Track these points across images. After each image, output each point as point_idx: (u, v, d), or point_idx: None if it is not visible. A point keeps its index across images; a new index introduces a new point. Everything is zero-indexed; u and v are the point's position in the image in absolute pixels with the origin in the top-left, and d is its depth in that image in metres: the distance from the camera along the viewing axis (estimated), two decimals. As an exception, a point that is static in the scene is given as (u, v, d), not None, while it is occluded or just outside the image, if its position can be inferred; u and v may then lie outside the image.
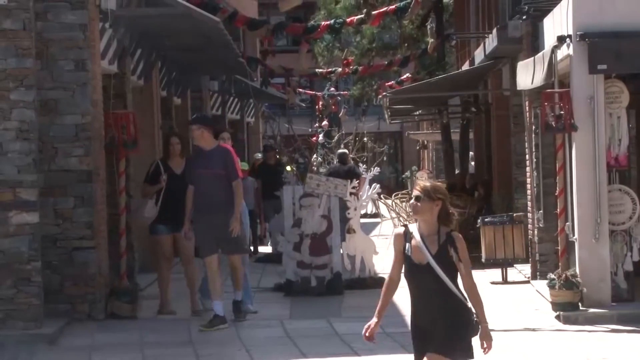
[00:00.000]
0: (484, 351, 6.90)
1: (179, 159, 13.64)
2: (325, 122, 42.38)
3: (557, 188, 13.92)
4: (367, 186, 17.47)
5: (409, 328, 12.18)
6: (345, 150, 26.28)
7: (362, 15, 23.03)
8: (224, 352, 11.37)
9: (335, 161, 24.87)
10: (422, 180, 6.94)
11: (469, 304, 6.90)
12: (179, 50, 18.07)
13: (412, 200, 6.82)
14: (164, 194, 13.49)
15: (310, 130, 43.02)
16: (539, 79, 13.77)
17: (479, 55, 20.65)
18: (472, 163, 28.62)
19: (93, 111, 13.27)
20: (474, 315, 6.90)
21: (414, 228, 6.83)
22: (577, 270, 13.09)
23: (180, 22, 15.04)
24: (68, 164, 13.10)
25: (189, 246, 13.48)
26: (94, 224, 13.14)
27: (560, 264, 13.66)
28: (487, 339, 6.93)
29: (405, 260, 6.88)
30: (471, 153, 28.71)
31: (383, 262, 18.74)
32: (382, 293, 7.18)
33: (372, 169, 18.84)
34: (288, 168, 22.25)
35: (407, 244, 6.82)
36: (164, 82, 19.54)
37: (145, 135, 16.93)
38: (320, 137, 39.56)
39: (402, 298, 15.42)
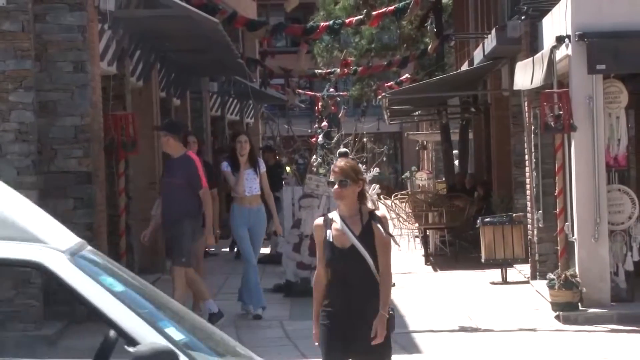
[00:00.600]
0: (373, 340, 6.40)
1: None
2: (324, 123, 42.34)
3: (557, 188, 13.93)
4: (367, 186, 17.47)
5: (409, 328, 12.18)
6: (347, 150, 26.32)
7: (362, 16, 23.03)
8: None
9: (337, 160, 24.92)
10: (338, 162, 6.62)
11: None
12: (178, 51, 18.08)
13: (336, 187, 6.47)
14: None
15: (309, 131, 42.96)
16: (538, 79, 13.77)
17: (478, 55, 20.65)
18: (456, 162, 28.64)
19: (92, 112, 13.26)
20: (391, 310, 6.55)
21: (334, 214, 6.54)
22: (577, 271, 13.09)
23: (180, 23, 15.04)
24: (67, 165, 13.10)
25: (197, 249, 13.33)
26: (94, 226, 13.14)
27: (559, 264, 13.66)
28: (381, 327, 6.41)
29: (327, 248, 6.51)
30: (455, 151, 28.73)
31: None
32: (314, 294, 6.78)
33: (372, 169, 18.85)
34: (288, 169, 22.20)
35: (328, 231, 6.48)
36: (163, 83, 19.54)
37: (144, 136, 16.92)
38: (320, 137, 39.55)
39: (401, 298, 15.46)
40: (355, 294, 6.47)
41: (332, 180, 6.49)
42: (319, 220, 6.58)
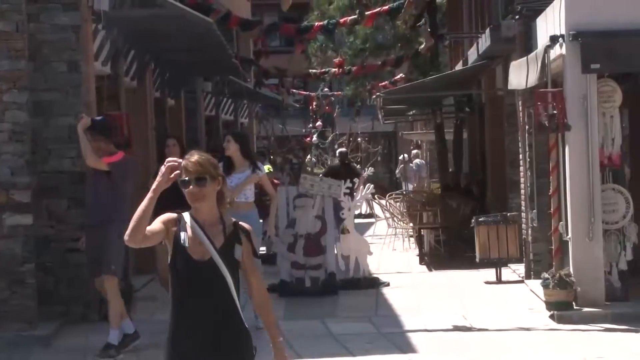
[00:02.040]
0: None
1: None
2: (319, 123, 42.39)
3: (551, 187, 13.94)
4: (362, 186, 17.48)
5: (404, 328, 12.16)
6: (345, 149, 26.40)
7: (356, 16, 23.03)
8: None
9: (336, 160, 24.91)
10: (191, 156, 5.29)
11: (246, 326, 5.45)
12: (172, 51, 18.07)
13: (192, 187, 5.20)
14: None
15: (304, 130, 43.03)
16: (532, 79, 13.78)
17: (472, 55, 20.67)
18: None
19: (86, 113, 13.25)
20: (254, 344, 5.51)
21: (186, 216, 5.26)
22: (571, 270, 13.10)
23: (174, 23, 15.04)
24: (61, 165, 13.09)
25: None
26: (88, 226, 13.12)
27: (554, 263, 13.67)
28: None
29: (179, 254, 5.23)
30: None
31: (378, 263, 18.78)
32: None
33: (366, 169, 18.87)
34: (267, 169, 22.00)
35: (183, 233, 5.22)
36: (158, 83, 19.53)
37: (138, 136, 16.90)
38: (314, 137, 39.57)
39: (397, 298, 15.43)
40: (208, 322, 5.24)
41: (186, 179, 5.20)
42: (172, 215, 5.26)
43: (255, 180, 12.23)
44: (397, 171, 35.43)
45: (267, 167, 22.40)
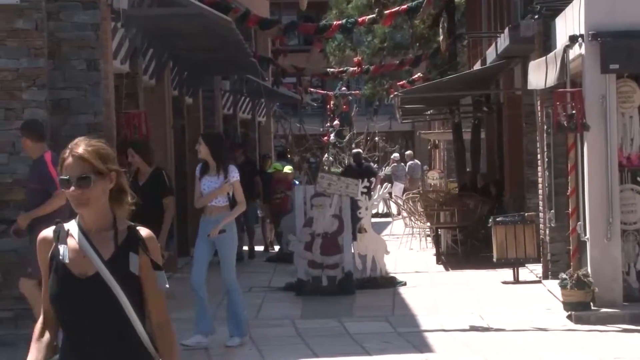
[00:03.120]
0: None
1: (144, 168, 12.03)
2: (336, 122, 42.39)
3: (569, 188, 13.90)
4: (379, 185, 17.48)
5: (421, 327, 12.18)
6: (360, 150, 26.45)
7: (374, 15, 23.02)
8: (235, 352, 11.38)
9: (351, 160, 24.95)
10: (77, 144, 4.28)
11: (154, 351, 4.20)
12: (190, 49, 18.10)
13: (73, 189, 4.15)
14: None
15: (321, 129, 43.03)
16: (551, 79, 13.75)
17: (490, 54, 20.63)
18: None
19: (105, 111, 13.29)
20: None
21: (71, 225, 4.26)
22: (589, 270, 13.06)
23: (192, 21, 15.06)
24: (80, 163, 13.10)
25: None
26: (106, 223, 13.15)
27: (572, 263, 13.64)
28: None
29: (57, 274, 4.17)
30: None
31: (395, 262, 18.76)
32: (32, 342, 4.49)
33: (384, 168, 18.86)
34: (289, 169, 21.94)
35: (61, 247, 4.18)
36: (176, 81, 19.57)
37: (156, 135, 16.94)
38: (332, 136, 39.58)
39: (413, 297, 15.41)
40: (99, 351, 4.12)
41: (65, 177, 4.18)
42: (47, 232, 4.27)
43: (228, 190, 11.39)
44: (387, 170, 35.56)
45: (288, 168, 22.36)
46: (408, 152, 39.84)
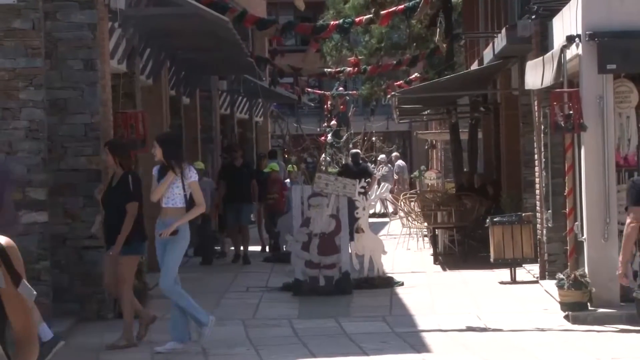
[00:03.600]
0: None
1: (118, 171, 11.68)
2: (333, 122, 42.39)
3: (566, 188, 13.90)
4: (376, 186, 17.47)
5: (418, 327, 12.17)
6: (358, 150, 26.49)
7: (371, 15, 23.01)
8: (233, 352, 11.38)
9: (349, 160, 24.99)
10: None
11: None
12: (188, 49, 18.11)
13: None
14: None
15: (318, 129, 43.02)
16: (548, 79, 13.75)
17: (487, 54, 20.63)
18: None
19: (102, 111, 13.29)
20: None
21: None
22: (586, 270, 13.06)
23: (190, 21, 15.06)
24: (77, 163, 13.13)
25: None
26: (103, 224, 13.14)
27: (569, 263, 13.64)
28: None
29: None
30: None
31: (392, 262, 18.76)
32: None
33: (380, 168, 18.86)
34: (290, 168, 21.93)
35: None
36: (173, 81, 19.57)
37: (154, 134, 16.92)
38: (329, 136, 39.57)
39: (411, 297, 15.41)
40: None
41: None
42: None
43: (170, 179, 11.14)
44: (383, 170, 35.64)
45: (289, 167, 22.26)
46: (395, 153, 40.00)
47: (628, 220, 9.09)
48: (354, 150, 25.91)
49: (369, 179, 17.15)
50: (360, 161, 24.11)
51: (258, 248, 21.88)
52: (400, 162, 37.96)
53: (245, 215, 20.23)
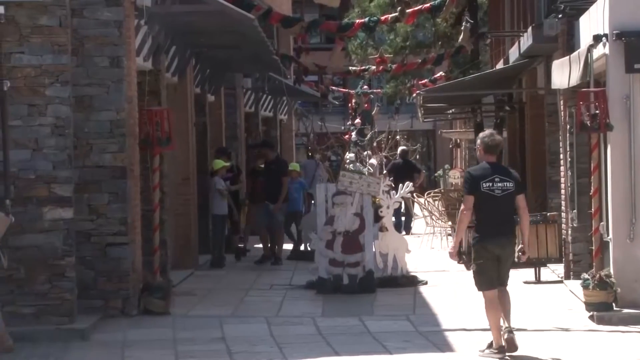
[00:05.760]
0: None
1: None
2: (357, 120, 42.35)
3: (592, 188, 13.83)
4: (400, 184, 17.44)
5: (442, 327, 12.15)
6: (405, 147, 26.60)
7: (396, 14, 22.96)
8: (256, 349, 11.38)
9: (396, 157, 25.21)
10: None
11: None
12: (213, 47, 18.13)
13: None
14: None
15: (343, 128, 42.98)
16: (574, 78, 13.70)
17: (513, 53, 20.57)
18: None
19: (128, 108, 13.32)
20: None
21: None
22: (611, 271, 13.01)
23: (215, 19, 15.08)
24: (102, 160, 13.17)
25: None
26: (128, 220, 13.19)
27: (594, 264, 13.58)
28: None
29: None
30: None
31: (416, 261, 18.73)
32: None
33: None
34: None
35: None
36: (198, 79, 19.59)
37: (179, 132, 16.97)
38: (353, 134, 39.53)
39: (435, 296, 15.37)
40: None
41: None
42: None
43: None
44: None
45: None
46: (402, 147, 39.81)
47: None
48: (403, 147, 26.03)
49: (416, 174, 17.02)
50: (407, 157, 24.19)
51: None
52: (373, 160, 37.35)
53: (277, 216, 19.60)
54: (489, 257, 10.62)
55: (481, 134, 11.10)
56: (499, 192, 10.60)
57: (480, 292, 10.76)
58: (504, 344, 10.51)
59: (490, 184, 10.60)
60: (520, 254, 10.75)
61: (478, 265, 10.70)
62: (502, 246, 10.61)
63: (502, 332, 10.54)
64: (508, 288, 10.88)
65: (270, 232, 19.54)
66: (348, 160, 16.80)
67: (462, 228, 10.99)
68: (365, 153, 23.51)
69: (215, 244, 18.99)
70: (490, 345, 10.67)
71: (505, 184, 10.64)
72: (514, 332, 10.61)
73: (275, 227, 19.53)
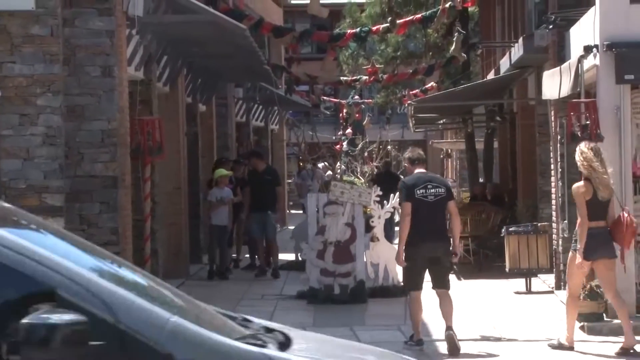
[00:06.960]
0: None
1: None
2: (349, 130, 42.40)
3: (583, 198, 13.84)
4: (392, 194, 17.46)
5: (433, 336, 12.21)
6: (388, 159, 26.77)
7: (388, 24, 23.02)
8: None
9: (380, 168, 25.38)
10: None
11: None
12: (204, 57, 18.14)
13: None
14: None
15: (334, 137, 43.03)
16: (565, 89, 13.74)
17: (504, 64, 20.63)
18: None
19: (119, 117, 13.32)
20: None
21: None
22: (602, 281, 13.01)
23: (207, 29, 15.10)
24: (94, 169, 13.16)
25: None
26: (119, 230, 13.18)
27: (584, 274, 13.58)
28: None
29: None
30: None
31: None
32: None
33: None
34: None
35: None
36: (190, 88, 19.60)
37: (170, 141, 16.97)
38: (344, 144, 39.57)
39: (425, 306, 15.39)
40: None
41: None
42: None
43: None
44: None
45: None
46: (385, 159, 39.86)
47: None
48: (386, 159, 26.27)
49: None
50: (391, 168, 24.40)
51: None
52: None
53: (272, 227, 19.34)
54: (419, 260, 11.31)
55: (404, 154, 12.12)
56: (431, 198, 11.24)
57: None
58: (446, 343, 11.27)
59: (424, 191, 11.24)
60: (453, 255, 11.48)
61: (408, 267, 11.43)
62: (434, 249, 11.26)
63: (445, 333, 11.33)
64: (498, 298, 10.97)
65: (266, 242, 19.44)
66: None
67: (404, 234, 11.42)
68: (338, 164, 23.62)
69: (219, 254, 18.66)
70: (411, 338, 11.58)
71: (437, 189, 11.32)
72: (454, 331, 11.31)
73: (271, 238, 19.43)
